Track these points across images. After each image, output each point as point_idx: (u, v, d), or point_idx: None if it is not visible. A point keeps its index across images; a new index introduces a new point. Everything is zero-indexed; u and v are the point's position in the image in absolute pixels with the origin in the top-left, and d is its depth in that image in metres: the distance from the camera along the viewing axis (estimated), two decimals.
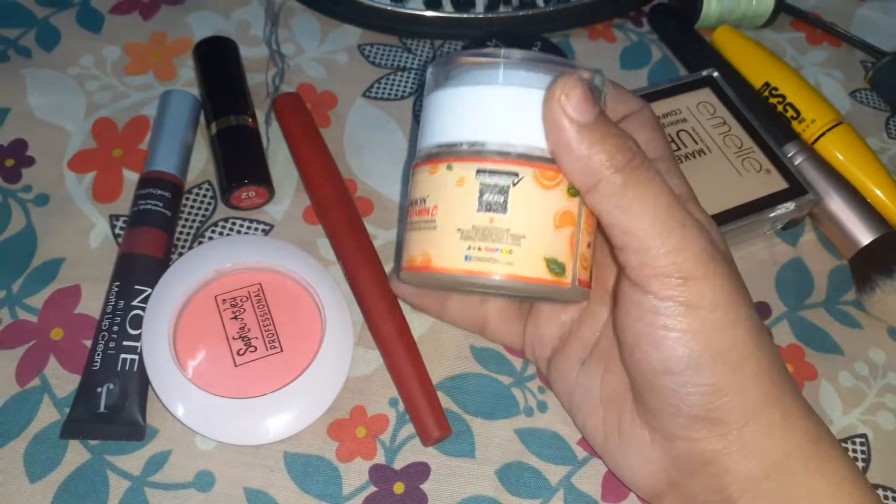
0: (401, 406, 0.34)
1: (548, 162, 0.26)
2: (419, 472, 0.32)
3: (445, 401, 0.34)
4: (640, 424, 0.29)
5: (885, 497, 0.33)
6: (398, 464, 0.32)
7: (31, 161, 0.39)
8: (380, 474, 0.32)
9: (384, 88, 0.44)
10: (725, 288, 0.25)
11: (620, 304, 0.27)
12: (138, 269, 0.34)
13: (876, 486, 0.33)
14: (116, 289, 0.34)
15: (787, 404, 0.27)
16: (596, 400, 0.31)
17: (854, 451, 0.34)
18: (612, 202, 0.25)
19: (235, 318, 0.33)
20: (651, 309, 0.25)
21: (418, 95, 0.44)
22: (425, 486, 0.32)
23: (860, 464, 0.34)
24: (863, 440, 0.35)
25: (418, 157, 0.28)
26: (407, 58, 0.46)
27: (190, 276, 0.34)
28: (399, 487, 0.32)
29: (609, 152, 0.25)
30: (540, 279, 0.26)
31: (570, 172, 0.26)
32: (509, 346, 0.35)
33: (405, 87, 0.44)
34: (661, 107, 0.41)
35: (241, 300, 0.34)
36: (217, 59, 0.42)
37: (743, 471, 0.26)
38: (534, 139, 0.26)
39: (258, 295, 0.34)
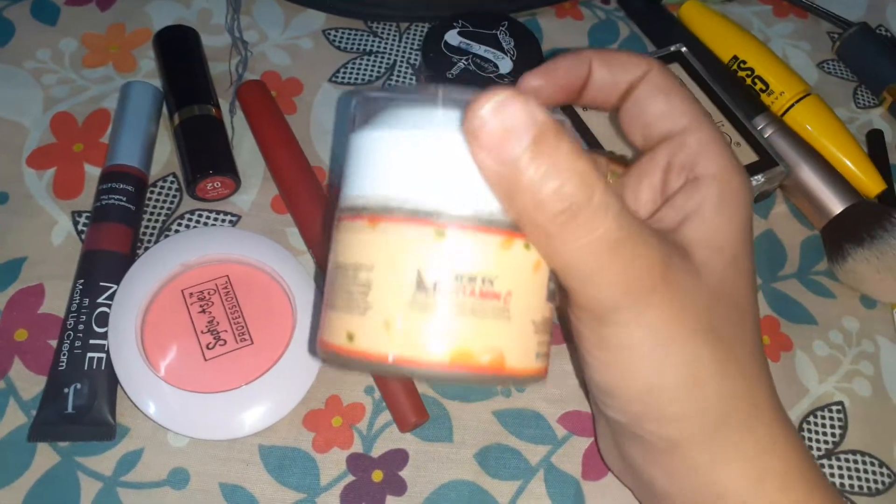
0: (377, 394, 0.33)
1: None
2: (397, 459, 0.32)
3: (422, 386, 0.33)
4: None
5: (864, 462, 0.33)
6: (376, 452, 0.32)
7: None
8: (357, 463, 0.31)
9: (351, 73, 0.43)
10: None
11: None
12: (103, 266, 0.33)
13: (854, 452, 0.34)
14: (81, 286, 0.33)
15: None
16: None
17: (831, 418, 0.35)
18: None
19: (203, 311, 0.33)
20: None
21: (386, 78, 0.43)
22: (404, 473, 0.31)
23: (837, 431, 0.34)
24: (839, 407, 0.35)
25: (469, 218, 0.20)
26: (373, 41, 0.45)
27: (156, 270, 0.33)
28: (377, 475, 0.31)
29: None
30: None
31: None
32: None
33: (372, 70, 0.44)
34: None
35: (208, 293, 0.33)
36: (178, 49, 0.41)
37: None
38: None
39: (226, 287, 0.33)
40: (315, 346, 0.22)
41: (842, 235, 0.38)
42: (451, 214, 0.20)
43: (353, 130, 0.23)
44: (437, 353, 0.20)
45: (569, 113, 0.35)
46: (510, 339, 0.21)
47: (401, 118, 0.21)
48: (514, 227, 0.21)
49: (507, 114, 0.20)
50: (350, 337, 0.21)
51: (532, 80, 0.27)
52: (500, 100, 0.20)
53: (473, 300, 0.20)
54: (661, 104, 0.26)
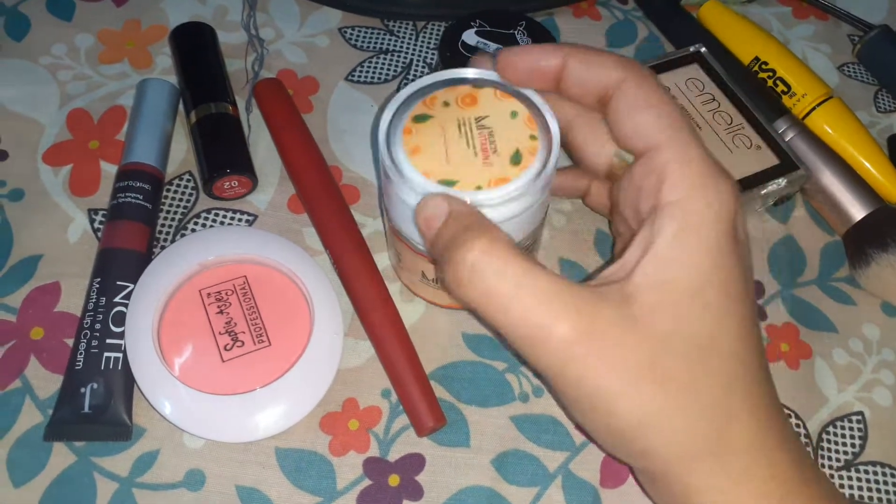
0: (394, 397, 0.33)
1: None
2: (414, 463, 0.32)
3: (439, 390, 0.33)
4: None
5: (883, 474, 0.33)
6: (392, 456, 0.32)
7: (3, 155, 0.38)
8: (374, 467, 0.31)
9: (367, 71, 0.43)
10: None
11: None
12: (119, 265, 0.33)
13: (874, 464, 0.33)
14: (97, 285, 0.33)
15: None
16: None
17: (851, 429, 0.34)
18: None
19: (221, 312, 0.32)
20: None
21: (403, 77, 0.43)
22: (420, 478, 0.31)
23: (857, 441, 0.34)
24: (859, 417, 0.34)
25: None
26: (390, 40, 0.45)
27: (173, 270, 0.33)
28: (394, 480, 0.31)
29: None
30: None
31: None
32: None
33: (389, 69, 0.43)
34: None
35: (226, 293, 0.33)
36: (194, 46, 0.41)
37: None
38: None
39: (244, 288, 0.33)
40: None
41: (865, 240, 0.37)
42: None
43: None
44: (431, 300, 0.35)
45: None
46: None
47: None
48: None
49: (430, 206, 0.26)
50: (395, 266, 0.36)
51: (509, 53, 0.28)
52: (429, 196, 0.26)
53: None
54: (633, 120, 0.26)
